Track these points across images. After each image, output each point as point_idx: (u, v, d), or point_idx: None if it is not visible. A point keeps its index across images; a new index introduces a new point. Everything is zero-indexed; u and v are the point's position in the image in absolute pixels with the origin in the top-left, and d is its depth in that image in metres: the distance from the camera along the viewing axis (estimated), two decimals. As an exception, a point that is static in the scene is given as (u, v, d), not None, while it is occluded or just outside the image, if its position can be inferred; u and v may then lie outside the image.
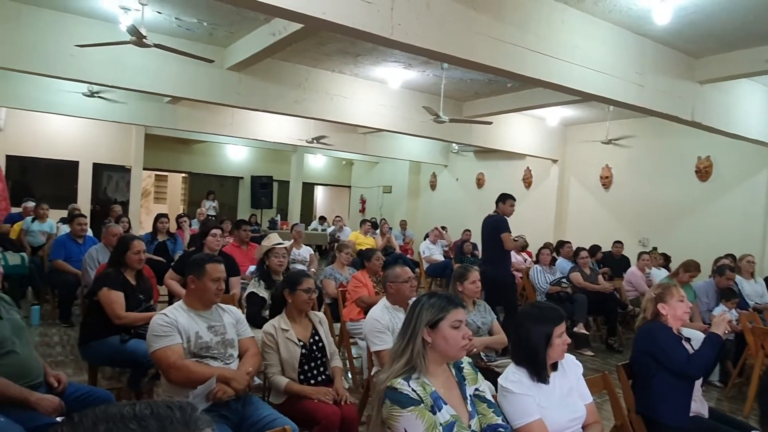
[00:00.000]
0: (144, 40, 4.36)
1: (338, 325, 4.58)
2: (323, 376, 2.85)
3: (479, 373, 1.95)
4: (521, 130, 9.34)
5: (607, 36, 4.80)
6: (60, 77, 5.77)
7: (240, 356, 2.62)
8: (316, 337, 2.88)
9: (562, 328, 2.05)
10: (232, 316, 2.65)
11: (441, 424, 1.67)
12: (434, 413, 1.68)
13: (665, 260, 7.49)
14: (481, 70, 4.44)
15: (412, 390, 1.69)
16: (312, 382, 2.78)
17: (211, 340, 2.48)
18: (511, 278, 5.75)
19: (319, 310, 3.17)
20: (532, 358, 1.99)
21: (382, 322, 3.00)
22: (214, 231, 4.49)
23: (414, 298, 2.00)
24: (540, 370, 1.99)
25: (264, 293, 3.79)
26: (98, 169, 11.14)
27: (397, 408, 1.66)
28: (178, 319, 2.41)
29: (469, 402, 1.82)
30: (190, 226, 7.87)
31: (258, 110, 7.07)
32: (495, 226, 5.56)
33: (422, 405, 1.67)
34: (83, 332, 3.42)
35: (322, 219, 13.89)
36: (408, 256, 9.95)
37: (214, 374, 2.33)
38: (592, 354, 5.78)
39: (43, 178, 10.57)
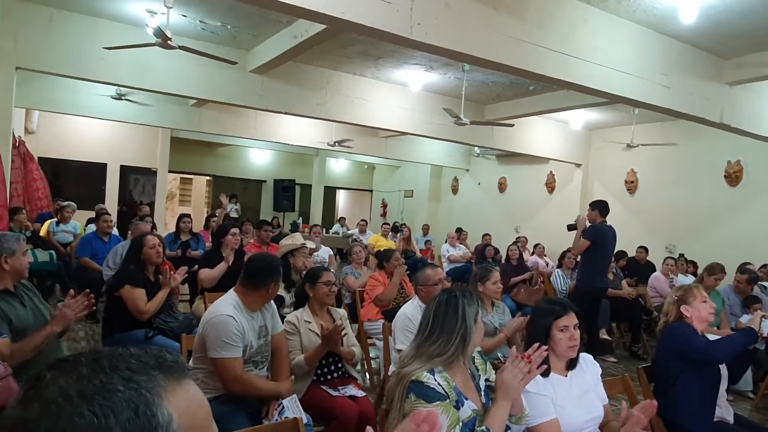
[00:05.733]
0: (169, 41, 4.45)
1: (356, 326, 4.58)
2: (339, 372, 2.86)
3: (488, 363, 1.95)
4: (544, 134, 9.23)
5: (631, 36, 4.72)
6: (90, 80, 5.93)
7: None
8: None
9: (566, 322, 1.98)
10: (269, 311, 2.62)
11: (462, 421, 1.66)
12: (458, 409, 1.67)
13: (694, 268, 7.29)
14: (502, 70, 4.41)
15: (438, 384, 1.68)
16: (329, 377, 2.80)
17: (257, 346, 2.47)
18: None
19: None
20: None
21: (414, 322, 2.98)
22: (233, 230, 4.56)
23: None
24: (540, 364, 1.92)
25: (283, 291, 3.82)
26: (125, 171, 11.39)
27: (423, 402, 1.64)
28: (243, 326, 2.37)
29: (483, 394, 1.82)
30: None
31: (280, 112, 7.14)
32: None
33: (448, 400, 1.66)
34: (106, 326, 3.50)
35: (342, 220, 13.79)
36: (429, 260, 9.91)
37: (289, 392, 2.45)
38: (615, 360, 5.65)
39: (72, 180, 10.84)
